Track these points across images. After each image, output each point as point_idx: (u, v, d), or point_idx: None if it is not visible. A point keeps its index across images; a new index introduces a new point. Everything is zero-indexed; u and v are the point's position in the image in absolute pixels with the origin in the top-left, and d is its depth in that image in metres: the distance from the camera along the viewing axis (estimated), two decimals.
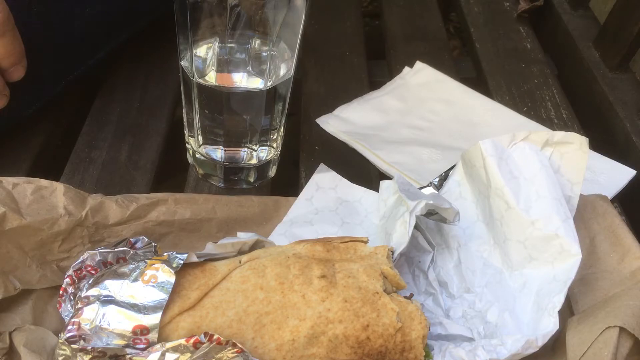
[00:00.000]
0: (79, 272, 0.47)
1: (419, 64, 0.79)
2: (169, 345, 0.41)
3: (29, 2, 0.58)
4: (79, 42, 0.66)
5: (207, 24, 0.52)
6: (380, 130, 0.70)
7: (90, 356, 0.41)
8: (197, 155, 0.61)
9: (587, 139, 0.51)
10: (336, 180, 0.60)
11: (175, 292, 0.43)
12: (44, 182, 0.50)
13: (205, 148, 0.60)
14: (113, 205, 0.52)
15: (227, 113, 0.56)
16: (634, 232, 0.52)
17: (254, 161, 0.61)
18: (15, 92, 0.57)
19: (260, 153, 0.60)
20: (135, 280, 0.43)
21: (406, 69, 0.79)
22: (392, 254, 0.49)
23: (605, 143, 0.71)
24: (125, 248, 0.48)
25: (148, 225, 0.53)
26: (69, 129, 0.70)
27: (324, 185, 0.59)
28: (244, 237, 0.50)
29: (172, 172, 0.68)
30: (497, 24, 0.91)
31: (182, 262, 0.44)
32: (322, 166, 0.61)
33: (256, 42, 0.53)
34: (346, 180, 0.60)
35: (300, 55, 0.56)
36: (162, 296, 0.42)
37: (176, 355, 0.41)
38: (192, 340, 0.41)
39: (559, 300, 0.46)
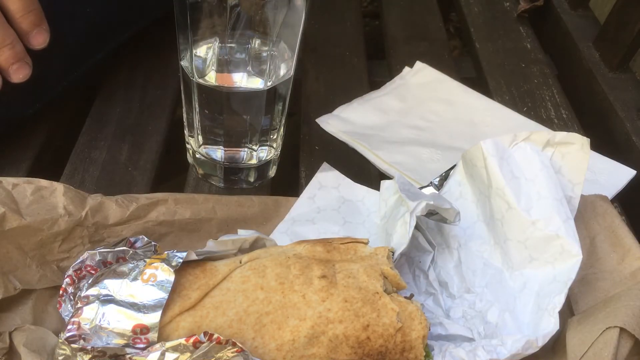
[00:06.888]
0: (78, 272, 0.47)
1: (419, 64, 0.79)
2: (168, 344, 0.41)
3: None
4: (79, 42, 0.66)
5: (207, 24, 0.52)
6: (380, 130, 0.70)
7: (90, 356, 0.41)
8: (197, 155, 0.61)
9: (589, 139, 0.51)
10: (339, 179, 0.60)
11: (175, 292, 0.43)
12: (43, 182, 0.50)
13: (205, 148, 0.60)
14: (113, 205, 0.52)
15: (227, 113, 0.56)
16: (634, 232, 0.52)
17: (254, 161, 0.60)
18: (15, 92, 0.57)
19: (260, 153, 0.60)
20: (135, 279, 0.43)
21: (406, 69, 0.79)
22: (393, 255, 0.49)
23: (605, 143, 0.71)
24: (124, 248, 0.47)
25: (148, 225, 0.53)
26: (69, 129, 0.70)
27: (327, 184, 0.59)
28: (245, 234, 0.50)
29: (172, 172, 0.68)
30: (497, 24, 0.91)
31: (181, 260, 0.44)
32: (325, 165, 0.61)
33: (256, 42, 0.53)
34: (349, 179, 0.60)
35: (300, 55, 0.55)
36: (161, 295, 0.42)
37: (176, 354, 0.41)
38: (191, 340, 0.40)
39: (559, 301, 0.46)
